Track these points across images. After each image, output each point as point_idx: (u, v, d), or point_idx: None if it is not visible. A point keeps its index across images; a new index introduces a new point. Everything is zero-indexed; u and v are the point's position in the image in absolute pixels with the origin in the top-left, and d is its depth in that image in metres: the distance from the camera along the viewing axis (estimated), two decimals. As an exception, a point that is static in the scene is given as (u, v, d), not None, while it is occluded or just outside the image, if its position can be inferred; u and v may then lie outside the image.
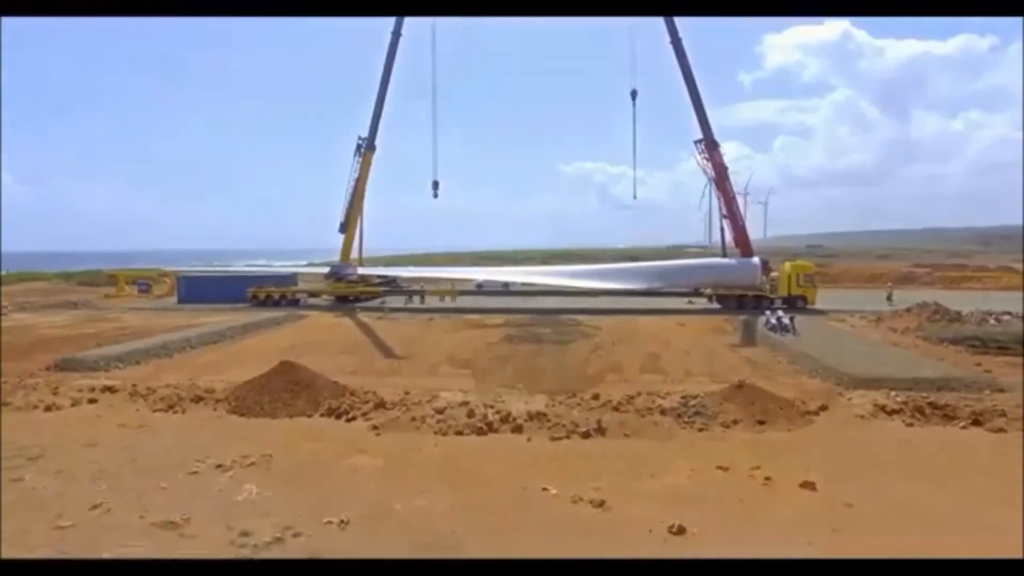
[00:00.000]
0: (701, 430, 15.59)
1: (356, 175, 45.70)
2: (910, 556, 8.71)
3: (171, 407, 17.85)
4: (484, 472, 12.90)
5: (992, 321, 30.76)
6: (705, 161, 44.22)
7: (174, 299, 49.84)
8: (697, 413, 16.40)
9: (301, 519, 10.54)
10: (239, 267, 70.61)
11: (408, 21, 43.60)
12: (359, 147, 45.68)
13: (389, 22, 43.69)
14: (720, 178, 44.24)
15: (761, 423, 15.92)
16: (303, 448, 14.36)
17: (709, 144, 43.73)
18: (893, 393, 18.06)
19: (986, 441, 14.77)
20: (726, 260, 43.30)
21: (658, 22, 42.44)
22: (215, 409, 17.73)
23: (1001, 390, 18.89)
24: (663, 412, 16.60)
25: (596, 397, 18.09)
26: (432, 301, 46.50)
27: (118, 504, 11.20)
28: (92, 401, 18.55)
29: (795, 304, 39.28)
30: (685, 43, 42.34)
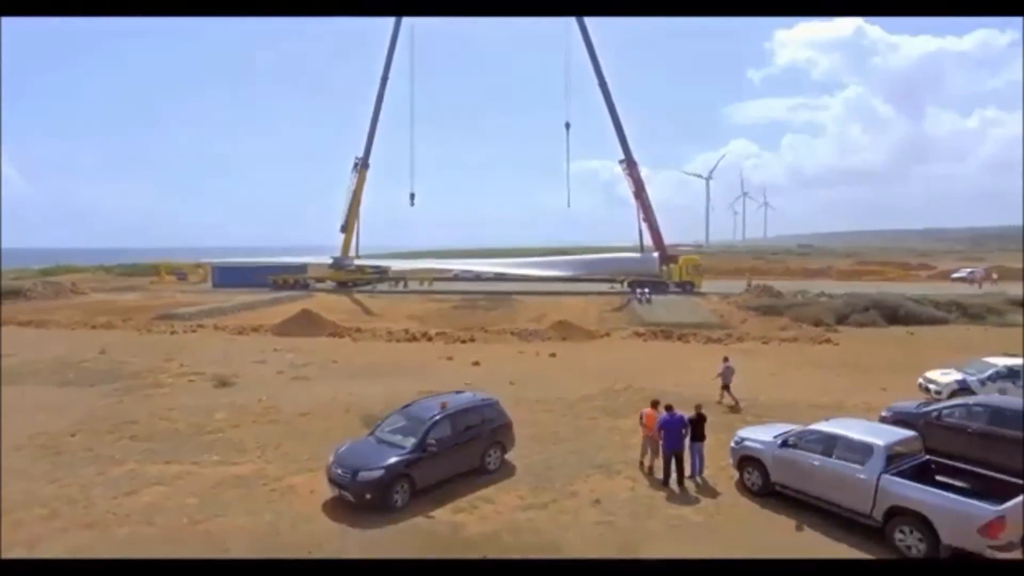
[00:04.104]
0: (528, 341, 30.16)
1: (354, 187, 60.38)
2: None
3: (240, 333, 32.78)
4: (403, 354, 27.57)
5: (799, 298, 44.82)
6: (627, 176, 58.50)
7: (207, 285, 64.83)
8: (531, 334, 31.02)
9: (315, 362, 25.29)
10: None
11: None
12: (356, 165, 60.39)
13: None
14: (639, 190, 58.41)
15: (564, 339, 30.46)
16: (314, 346, 29.13)
17: (630, 163, 58.00)
18: (652, 328, 32.50)
19: (672, 347, 29.20)
20: (632, 254, 57.63)
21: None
22: (265, 334, 32.57)
23: (723, 327, 33.32)
24: (513, 334, 31.28)
25: (483, 328, 32.78)
26: (414, 286, 61.15)
27: (233, 358, 26.03)
28: (193, 331, 33.53)
29: (685, 288, 53.59)
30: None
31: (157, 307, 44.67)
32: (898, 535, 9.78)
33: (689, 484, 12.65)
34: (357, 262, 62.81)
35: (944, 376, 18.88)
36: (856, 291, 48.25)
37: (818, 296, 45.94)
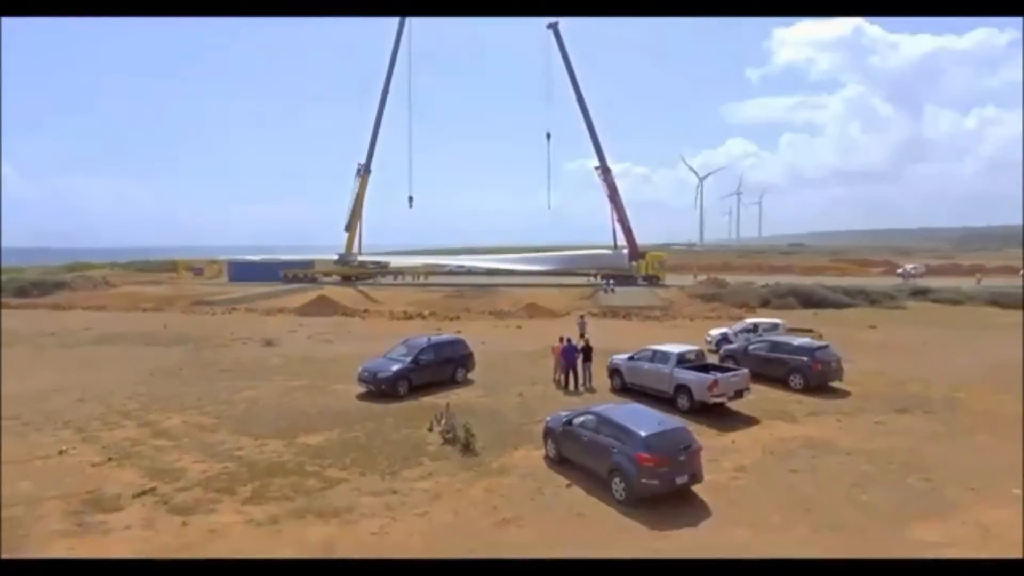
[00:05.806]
0: (502, 319, 38.36)
1: (357, 191, 68.47)
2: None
3: (268, 314, 41.03)
4: (403, 327, 35.72)
5: (750, 288, 52.91)
6: (602, 181, 66.65)
7: (224, 279, 72.91)
8: (505, 314, 39.24)
9: (334, 332, 33.52)
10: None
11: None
12: (359, 170, 68.50)
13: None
14: (613, 194, 66.56)
15: (531, 317, 38.67)
16: (331, 323, 37.31)
17: (604, 169, 66.17)
18: (606, 310, 40.69)
19: (616, 323, 37.33)
20: (605, 251, 65.89)
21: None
22: (289, 315, 40.78)
23: (664, 309, 41.53)
24: (490, 314, 39.51)
25: (467, 309, 41.00)
26: (413, 280, 69.33)
27: (269, 330, 34.23)
28: (228, 313, 41.77)
29: (652, 281, 61.81)
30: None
31: (188, 296, 52.74)
32: (679, 399, 17.95)
33: (581, 389, 20.79)
34: (360, 258, 70.98)
35: (715, 331, 29.08)
36: (801, 283, 56.44)
37: (762, 287, 54.09)
